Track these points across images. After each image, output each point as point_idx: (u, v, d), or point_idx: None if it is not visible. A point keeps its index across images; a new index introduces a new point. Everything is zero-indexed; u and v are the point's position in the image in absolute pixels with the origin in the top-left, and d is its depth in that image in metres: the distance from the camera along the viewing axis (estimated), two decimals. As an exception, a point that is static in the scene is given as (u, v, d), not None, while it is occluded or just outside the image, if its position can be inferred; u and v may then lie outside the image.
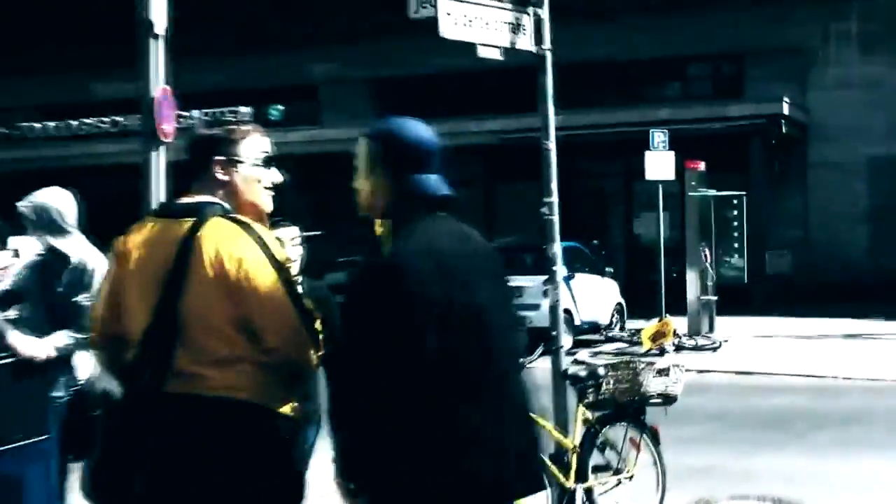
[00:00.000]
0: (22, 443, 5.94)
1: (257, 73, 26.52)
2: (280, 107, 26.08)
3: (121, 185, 26.02)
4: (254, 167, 4.01)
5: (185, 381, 3.78)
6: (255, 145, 4.02)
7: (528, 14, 9.01)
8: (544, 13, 9.06)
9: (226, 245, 3.78)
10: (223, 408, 3.76)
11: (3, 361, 5.82)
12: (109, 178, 26.07)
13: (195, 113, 22.77)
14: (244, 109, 23.75)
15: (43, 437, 6.06)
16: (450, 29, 8.44)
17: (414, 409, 3.50)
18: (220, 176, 3.95)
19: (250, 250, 3.79)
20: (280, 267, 3.85)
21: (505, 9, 8.90)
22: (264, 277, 3.79)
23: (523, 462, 3.74)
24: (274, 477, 3.84)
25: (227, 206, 3.92)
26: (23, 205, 6.36)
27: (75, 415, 6.25)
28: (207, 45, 23.45)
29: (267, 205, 4.07)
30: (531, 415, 3.92)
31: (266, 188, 4.05)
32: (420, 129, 3.80)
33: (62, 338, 6.12)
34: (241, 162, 3.98)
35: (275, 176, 4.09)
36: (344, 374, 3.66)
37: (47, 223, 6.35)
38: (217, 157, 3.95)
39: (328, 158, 25.78)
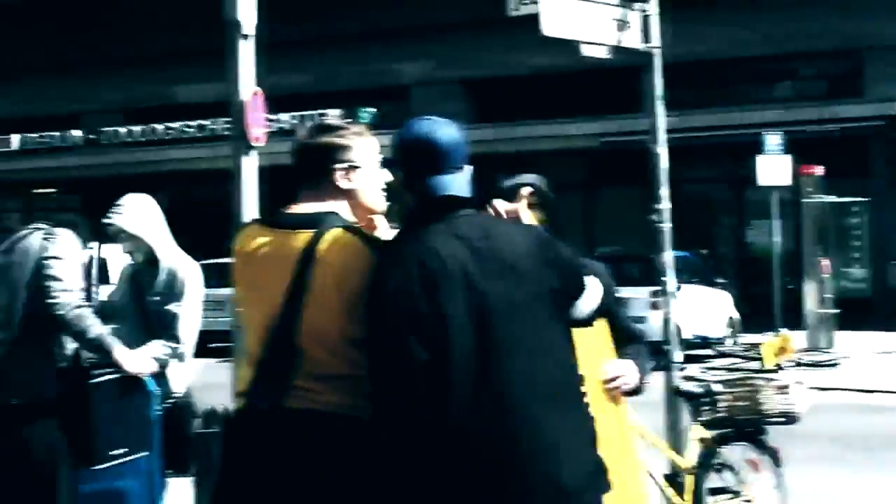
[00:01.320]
0: (127, 458, 6.05)
1: (346, 74, 26.71)
2: (371, 109, 26.26)
3: (206, 190, 26.54)
4: (371, 171, 4.04)
5: (304, 397, 3.83)
6: (369, 148, 4.05)
7: (635, 10, 8.96)
8: (652, 9, 9.01)
9: (348, 260, 3.79)
10: (340, 423, 3.80)
11: (110, 377, 5.92)
12: (194, 184, 26.49)
13: (283, 116, 23.09)
14: (334, 112, 23.96)
15: (141, 454, 6.17)
16: (552, 26, 8.40)
17: (401, 420, 3.51)
18: (342, 183, 3.97)
19: (372, 264, 3.79)
20: None
21: (610, 4, 8.85)
22: None
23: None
24: (388, 494, 3.87)
25: (343, 215, 3.93)
26: (113, 213, 6.46)
27: (171, 428, 6.36)
28: (294, 45, 23.65)
29: (382, 207, 4.09)
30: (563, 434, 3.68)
31: (381, 190, 4.08)
32: (430, 128, 3.78)
33: (158, 348, 6.23)
34: (359, 167, 4.02)
35: (387, 176, 4.12)
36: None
37: (138, 231, 6.46)
38: (338, 166, 3.99)
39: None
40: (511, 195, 4.46)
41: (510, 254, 3.63)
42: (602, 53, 8.92)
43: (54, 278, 5.74)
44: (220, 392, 7.57)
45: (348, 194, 3.97)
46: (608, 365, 4.42)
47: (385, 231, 4.08)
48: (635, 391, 4.66)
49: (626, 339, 4.79)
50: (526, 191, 4.49)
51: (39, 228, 6.02)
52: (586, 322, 3.90)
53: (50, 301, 5.71)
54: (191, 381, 6.60)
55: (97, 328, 5.84)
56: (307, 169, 4.02)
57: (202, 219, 13.76)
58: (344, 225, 3.86)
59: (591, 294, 3.84)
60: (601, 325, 4.43)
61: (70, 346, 5.92)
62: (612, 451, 4.15)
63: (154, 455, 6.25)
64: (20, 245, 5.92)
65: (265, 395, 3.86)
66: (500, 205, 4.11)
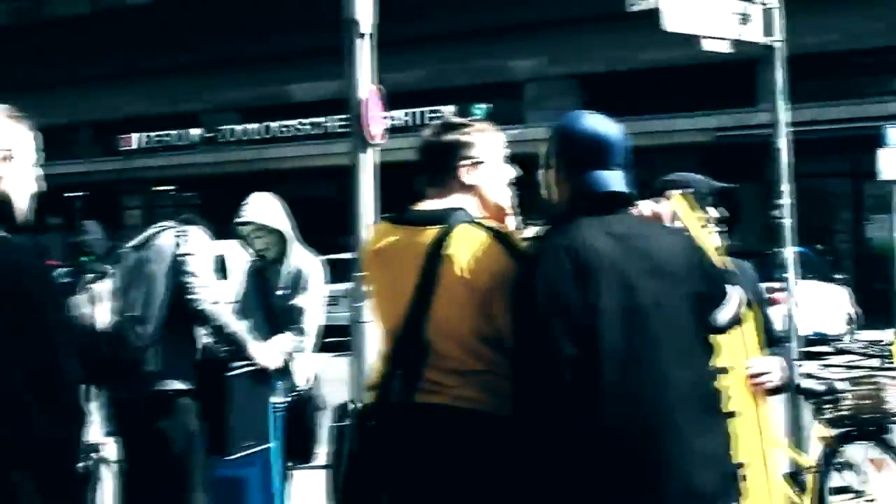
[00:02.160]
0: (253, 449, 6.16)
1: (459, 70, 26.77)
2: (483, 106, 26.30)
3: (320, 187, 26.82)
4: (495, 166, 4.04)
5: (434, 392, 3.84)
6: (493, 144, 4.05)
7: (757, 3, 8.86)
8: (774, 1, 8.90)
9: (477, 254, 3.80)
10: (470, 419, 3.81)
11: (242, 370, 6.02)
12: (309, 181, 26.74)
13: (396, 113, 23.21)
14: (447, 109, 24.03)
15: (267, 445, 6.27)
16: (674, 21, 8.34)
17: (546, 416, 3.47)
18: (467, 179, 3.98)
19: (502, 259, 3.80)
20: None
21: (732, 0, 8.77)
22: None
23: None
24: (518, 490, 3.87)
25: (471, 211, 3.93)
26: (245, 211, 6.56)
27: (295, 420, 6.46)
28: (407, 42, 23.75)
29: (507, 202, 4.09)
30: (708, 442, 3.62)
31: (507, 185, 4.09)
32: (594, 123, 3.75)
33: (287, 341, 6.33)
34: (483, 163, 4.02)
35: (512, 172, 4.12)
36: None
37: (275, 226, 6.57)
38: (462, 162, 4.00)
39: (532, 158, 25.87)
40: (659, 194, 4.40)
41: (660, 255, 3.59)
42: (723, 48, 8.83)
43: (191, 275, 5.86)
44: (337, 386, 7.66)
45: (473, 190, 3.98)
46: (754, 361, 4.35)
47: (513, 225, 4.08)
48: (780, 389, 4.59)
49: (767, 336, 4.71)
50: (674, 192, 4.41)
51: (170, 227, 6.13)
52: (722, 330, 3.83)
53: (189, 298, 5.83)
54: (313, 374, 6.70)
55: (234, 323, 5.96)
56: (432, 166, 4.05)
57: (316, 215, 13.81)
58: (471, 220, 3.87)
59: (731, 303, 3.79)
60: (749, 321, 4.37)
61: (204, 339, 6.03)
62: (750, 451, 4.10)
63: (276, 446, 6.38)
64: (154, 243, 6.04)
65: (396, 390, 3.89)
66: (646, 206, 4.09)
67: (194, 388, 5.92)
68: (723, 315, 3.75)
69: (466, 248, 3.80)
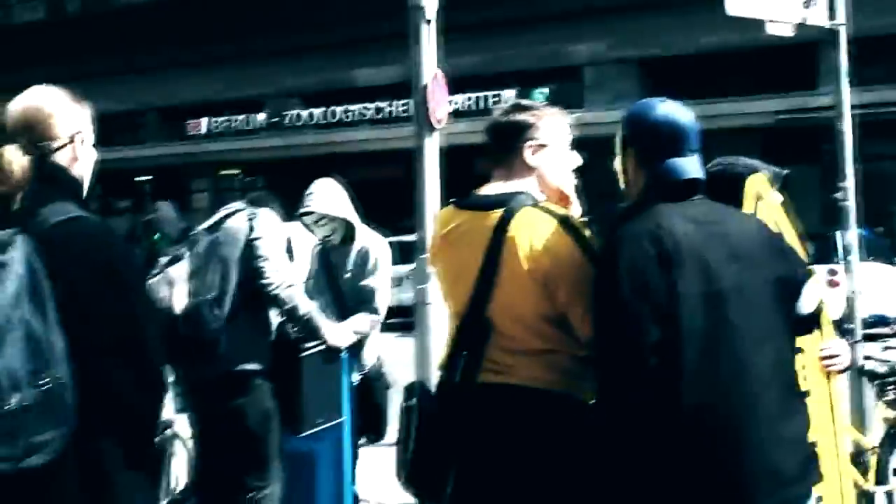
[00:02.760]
0: (324, 426, 6.22)
1: (519, 55, 26.72)
2: (544, 89, 26.26)
3: (382, 170, 26.90)
4: (559, 150, 4.03)
5: (498, 372, 3.85)
6: (559, 127, 4.04)
7: (820, -6, 8.77)
8: (839, -7, 8.81)
9: (540, 238, 3.80)
10: (534, 398, 3.81)
11: (314, 350, 6.07)
12: (371, 164, 26.82)
13: (458, 98, 23.22)
14: (508, 93, 24.01)
15: (339, 420, 6.32)
16: (737, 6, 8.28)
17: (628, 399, 3.44)
18: (530, 162, 3.98)
19: (566, 243, 3.80)
20: (596, 257, 3.82)
21: (796, -12, 8.68)
22: (580, 271, 3.77)
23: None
24: (581, 468, 3.86)
25: (535, 194, 3.93)
26: (310, 201, 6.59)
27: (365, 398, 6.51)
28: (468, 27, 23.72)
29: (569, 185, 4.08)
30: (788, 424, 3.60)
31: (572, 171, 4.08)
32: (670, 110, 3.71)
33: (361, 321, 6.36)
34: (546, 145, 4.00)
35: (576, 159, 4.11)
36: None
37: (339, 213, 6.59)
38: (526, 143, 3.99)
39: (591, 142, 25.79)
40: (716, 178, 4.36)
41: (739, 239, 3.57)
42: (787, 31, 8.74)
43: (264, 259, 5.90)
44: (402, 366, 7.68)
45: (536, 172, 3.97)
46: (828, 342, 4.31)
47: (577, 208, 4.07)
48: (845, 370, 4.56)
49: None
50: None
51: (242, 208, 6.16)
52: (809, 321, 3.80)
53: (262, 281, 5.88)
54: (380, 353, 6.74)
55: (306, 305, 6.00)
56: (498, 145, 4.06)
57: (380, 198, 13.81)
58: (534, 203, 3.87)
59: (813, 291, 3.74)
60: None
61: (277, 320, 6.08)
62: (822, 432, 4.07)
63: (346, 422, 6.43)
64: (226, 225, 6.08)
65: (459, 370, 3.90)
66: None
67: (268, 368, 5.96)
68: (805, 304, 3.70)
69: (529, 231, 3.81)
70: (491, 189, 4.01)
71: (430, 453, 4.00)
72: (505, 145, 4.02)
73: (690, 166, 3.64)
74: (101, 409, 3.26)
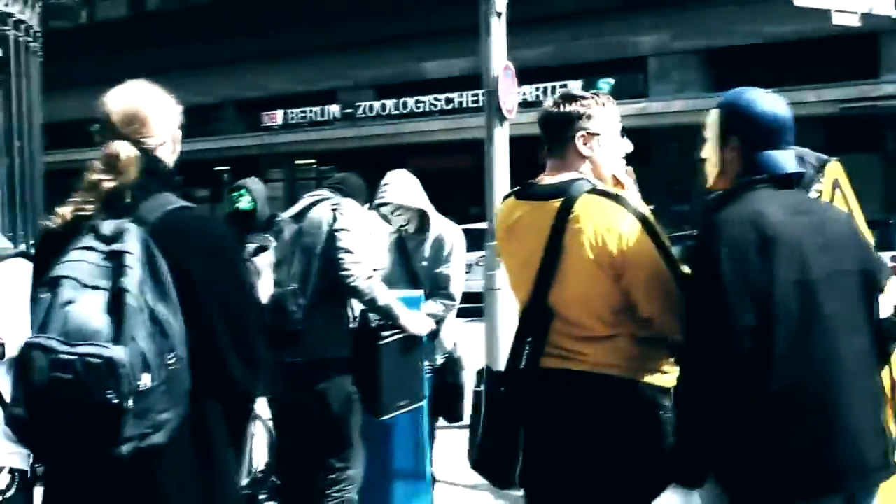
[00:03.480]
0: (405, 410, 6.26)
1: (584, 46, 26.61)
2: (609, 80, 26.14)
3: (450, 159, 26.94)
4: (610, 138, 4.03)
5: (562, 358, 3.85)
6: (610, 116, 4.03)
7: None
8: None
9: (602, 222, 3.78)
10: (598, 383, 3.81)
11: (394, 338, 6.10)
12: (439, 153, 26.85)
13: (526, 89, 23.14)
14: (573, 84, 23.93)
15: (419, 404, 6.36)
16: (803, -4, 8.25)
17: (721, 383, 3.41)
18: (582, 151, 3.97)
19: (627, 224, 3.78)
20: (658, 238, 3.82)
21: (862, -28, 8.62)
22: (644, 251, 3.77)
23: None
24: (652, 448, 3.88)
25: (592, 181, 3.92)
26: (385, 192, 6.62)
27: (444, 382, 6.54)
28: (535, 20, 23.66)
29: (620, 172, 4.07)
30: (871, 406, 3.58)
31: (622, 158, 4.06)
32: (772, 102, 3.66)
33: (435, 307, 6.39)
34: (598, 134, 4.02)
35: (627, 146, 4.12)
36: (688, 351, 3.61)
37: (414, 203, 6.62)
38: (578, 133, 4.02)
39: (654, 131, 25.73)
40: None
41: (831, 231, 3.55)
42: (853, 21, 8.70)
43: (346, 251, 5.89)
44: (472, 351, 7.70)
45: (588, 160, 3.96)
46: None
47: (634, 192, 4.08)
48: None
49: None
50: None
51: (326, 197, 6.18)
52: (887, 325, 3.72)
53: (342, 273, 5.86)
54: (456, 337, 6.76)
55: (386, 296, 6.00)
56: (551, 136, 4.03)
57: (448, 187, 13.81)
58: (592, 189, 3.86)
59: (891, 291, 3.72)
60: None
61: (358, 308, 6.10)
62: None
63: (424, 406, 6.47)
64: (310, 215, 6.09)
65: (524, 356, 3.91)
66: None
67: (349, 355, 6.00)
68: (884, 308, 3.66)
69: (591, 217, 3.79)
70: (548, 179, 4.00)
71: (496, 438, 4.00)
72: (557, 136, 3.99)
73: (789, 160, 3.61)
74: (210, 388, 3.33)
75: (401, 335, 6.10)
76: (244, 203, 6.30)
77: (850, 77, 21.63)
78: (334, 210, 6.02)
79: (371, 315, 6.10)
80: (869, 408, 3.51)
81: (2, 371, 3.61)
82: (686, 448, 3.60)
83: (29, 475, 3.72)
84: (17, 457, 3.60)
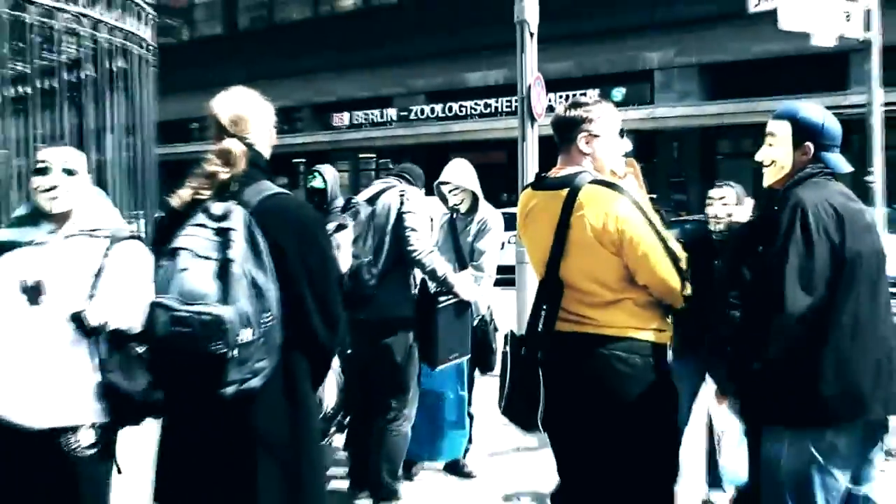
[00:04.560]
0: (455, 361, 6.27)
1: (602, 61, 26.41)
2: (621, 89, 25.93)
3: (488, 154, 26.86)
4: (610, 139, 4.02)
5: (573, 322, 3.86)
6: (610, 120, 4.01)
7: (858, 4, 8.60)
8: (873, 3, 8.62)
9: (602, 207, 3.78)
10: (609, 343, 3.80)
11: (449, 303, 6.11)
12: (479, 150, 26.77)
13: (552, 96, 23.04)
14: (592, 92, 23.77)
15: (466, 356, 6.37)
16: (789, 21, 8.18)
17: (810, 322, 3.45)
18: (585, 148, 3.98)
19: (624, 208, 3.78)
20: (650, 218, 3.82)
21: (837, 1, 8.52)
22: (639, 229, 3.77)
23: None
24: (656, 396, 3.87)
25: (593, 174, 3.91)
26: (448, 175, 6.64)
27: (479, 339, 6.54)
28: (561, 38, 23.51)
29: (621, 169, 4.06)
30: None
31: (621, 156, 4.06)
32: (832, 119, 3.75)
33: (468, 276, 6.38)
34: (599, 136, 3.99)
35: (626, 145, 4.10)
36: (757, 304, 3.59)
37: (471, 186, 6.63)
38: (581, 133, 3.99)
39: (659, 133, 25.54)
40: None
41: (867, 216, 3.68)
42: (829, 42, 8.60)
43: (412, 230, 5.91)
44: (507, 315, 7.68)
45: (590, 157, 3.96)
46: None
47: (629, 182, 4.04)
48: None
49: None
50: None
51: (394, 185, 6.19)
52: None
53: (408, 248, 5.89)
54: (490, 303, 6.76)
55: (443, 268, 6.01)
56: (560, 136, 4.04)
57: (485, 178, 13.82)
58: (593, 180, 3.86)
59: None
60: None
61: (419, 277, 6.11)
62: None
63: (468, 359, 6.48)
64: (381, 199, 6.10)
65: (542, 321, 3.91)
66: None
67: (412, 316, 6.02)
68: None
69: (591, 203, 3.79)
70: (557, 172, 4.01)
71: (520, 390, 4.00)
72: (565, 136, 4.01)
73: (845, 162, 3.72)
74: (297, 342, 3.35)
75: (454, 300, 6.11)
76: (317, 183, 6.35)
77: (825, 89, 21.33)
78: (401, 196, 6.03)
79: (430, 283, 6.12)
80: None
81: (102, 343, 3.58)
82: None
83: (110, 428, 3.67)
84: (101, 412, 3.59)
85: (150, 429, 3.64)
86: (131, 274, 3.62)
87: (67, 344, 3.51)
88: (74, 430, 3.55)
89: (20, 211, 3.77)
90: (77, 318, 3.49)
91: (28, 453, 3.52)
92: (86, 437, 3.56)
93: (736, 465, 3.75)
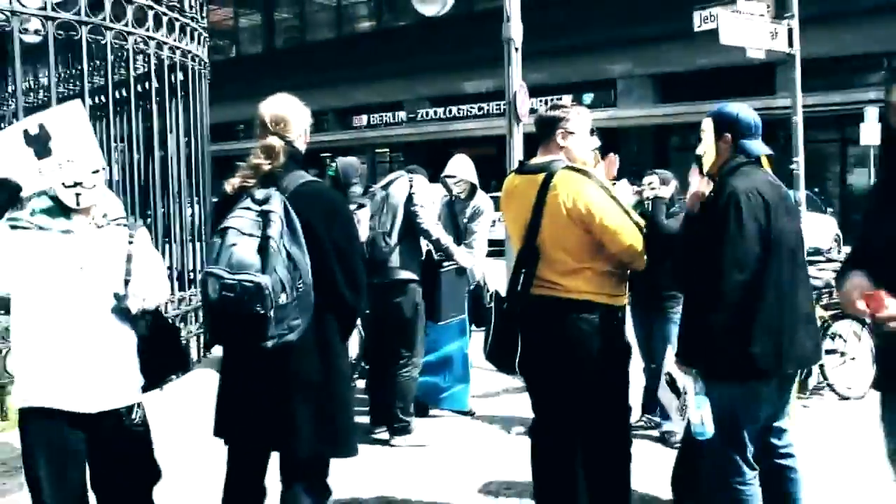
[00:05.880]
0: (456, 319, 6.28)
1: (573, 71, 26.26)
2: (590, 94, 25.83)
3: (481, 149, 26.79)
4: (582, 136, 4.00)
5: (546, 287, 3.85)
6: (582, 120, 4.01)
7: (783, 24, 8.57)
8: (795, 23, 8.60)
9: (574, 188, 3.78)
10: (573, 305, 3.81)
11: (450, 268, 6.12)
12: (474, 146, 26.68)
13: (533, 100, 22.93)
14: (566, 97, 23.64)
15: (462, 316, 6.37)
16: (728, 37, 8.16)
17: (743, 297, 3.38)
18: (561, 142, 3.97)
19: (592, 189, 3.78)
20: (614, 197, 3.82)
21: (766, 21, 8.49)
22: (606, 206, 3.77)
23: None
24: (610, 349, 3.88)
25: (567, 161, 3.91)
26: (452, 169, 6.66)
27: (475, 300, 6.55)
28: (540, 53, 23.36)
29: (589, 159, 4.06)
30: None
31: (591, 150, 4.05)
32: (746, 110, 3.67)
33: (464, 251, 6.39)
34: (573, 133, 3.98)
35: (594, 141, 4.10)
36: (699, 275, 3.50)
37: (471, 178, 6.64)
38: (558, 130, 3.97)
39: (620, 131, 25.45)
40: None
41: (789, 200, 3.60)
42: (760, 55, 8.56)
43: (420, 206, 5.93)
44: (498, 280, 7.67)
45: (565, 150, 3.95)
46: None
47: (600, 171, 4.03)
48: None
49: None
50: None
51: (403, 174, 6.21)
52: None
53: (418, 221, 5.90)
54: (484, 272, 6.77)
55: (445, 239, 6.03)
56: (541, 132, 4.03)
57: (478, 168, 13.81)
58: (566, 166, 3.86)
59: None
60: None
61: (425, 247, 6.13)
62: None
63: (466, 316, 6.50)
64: (394, 185, 6.12)
65: (520, 283, 3.90)
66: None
67: (419, 278, 6.01)
68: None
69: (564, 185, 3.79)
70: (536, 160, 4.00)
71: (501, 340, 4.02)
72: (545, 132, 4.00)
73: (762, 146, 3.62)
74: (327, 304, 3.35)
75: (454, 266, 6.13)
76: (332, 171, 6.41)
77: (756, 94, 21.24)
78: (410, 182, 6.04)
79: (434, 252, 6.13)
80: (812, 321, 3.59)
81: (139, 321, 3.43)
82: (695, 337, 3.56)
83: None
84: (140, 392, 3.47)
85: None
86: (152, 257, 3.56)
87: (114, 327, 3.33)
88: (129, 408, 3.40)
89: (40, 201, 3.36)
90: (121, 302, 3.30)
91: (86, 435, 3.31)
92: (140, 413, 3.46)
93: (704, 418, 3.76)
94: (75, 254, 3.30)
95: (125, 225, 3.50)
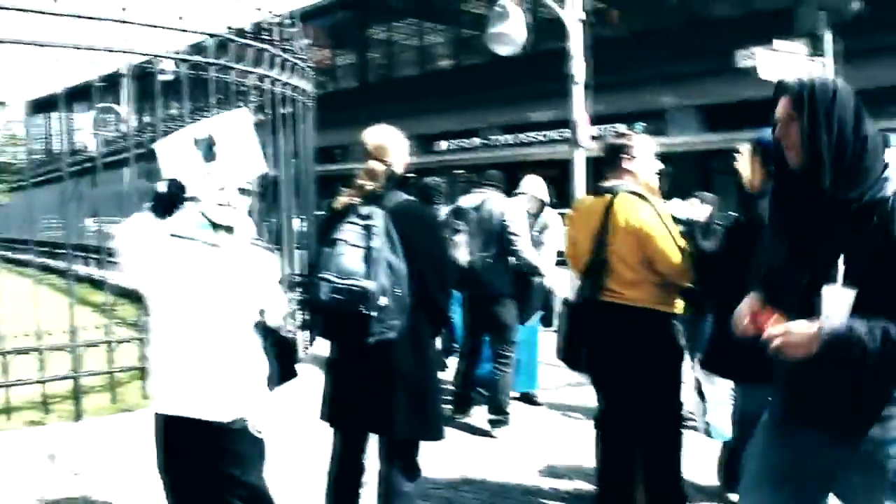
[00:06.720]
0: (536, 318, 6.39)
1: (628, 102, 25.91)
2: (642, 124, 25.45)
3: (546, 173, 26.60)
4: (646, 159, 3.95)
5: (610, 295, 3.82)
6: (646, 146, 3.96)
7: (817, 61, 8.34)
8: (829, 61, 8.35)
9: (632, 211, 3.76)
10: (633, 312, 3.78)
11: (537, 280, 6.22)
12: (540, 169, 26.51)
13: (594, 128, 22.73)
14: (620, 126, 23.36)
15: (540, 314, 6.40)
16: (766, 72, 7.98)
17: None
18: (626, 167, 3.92)
19: (647, 213, 3.74)
20: (665, 221, 3.77)
21: (802, 58, 8.28)
22: (657, 230, 3.73)
23: None
24: (665, 351, 3.81)
25: (630, 186, 3.86)
26: (525, 188, 6.64)
27: (545, 302, 6.53)
28: (600, 85, 23.12)
29: (654, 181, 4.00)
30: None
31: (654, 172, 3.99)
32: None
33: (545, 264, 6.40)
34: (636, 157, 3.92)
35: (659, 164, 4.03)
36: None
37: (542, 196, 6.63)
38: (624, 156, 3.92)
39: (672, 156, 24.97)
40: None
41: None
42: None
43: (515, 235, 5.92)
44: (562, 286, 7.60)
45: (631, 173, 3.89)
46: None
47: (656, 196, 3.96)
48: None
49: None
50: None
51: (494, 195, 6.17)
52: None
53: (513, 248, 5.91)
54: (552, 279, 6.72)
55: (531, 256, 6.00)
56: (608, 158, 3.99)
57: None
58: (628, 190, 3.82)
59: None
60: None
61: (515, 262, 6.12)
62: None
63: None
64: (485, 206, 6.10)
65: (587, 292, 3.88)
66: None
67: (511, 291, 6.02)
68: None
69: (626, 207, 3.76)
70: (606, 183, 3.96)
71: (571, 341, 4.00)
72: (612, 158, 3.96)
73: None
74: (421, 306, 3.37)
75: (537, 280, 6.13)
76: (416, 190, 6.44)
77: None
78: (503, 205, 5.98)
79: (523, 267, 6.09)
80: None
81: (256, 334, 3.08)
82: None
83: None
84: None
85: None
86: (274, 276, 3.25)
87: (246, 340, 2.98)
88: (242, 420, 2.95)
89: (192, 213, 2.99)
90: (262, 317, 3.00)
91: (201, 444, 2.90)
92: (260, 422, 3.04)
93: (721, 422, 3.65)
94: (218, 267, 2.98)
95: (256, 244, 3.18)
